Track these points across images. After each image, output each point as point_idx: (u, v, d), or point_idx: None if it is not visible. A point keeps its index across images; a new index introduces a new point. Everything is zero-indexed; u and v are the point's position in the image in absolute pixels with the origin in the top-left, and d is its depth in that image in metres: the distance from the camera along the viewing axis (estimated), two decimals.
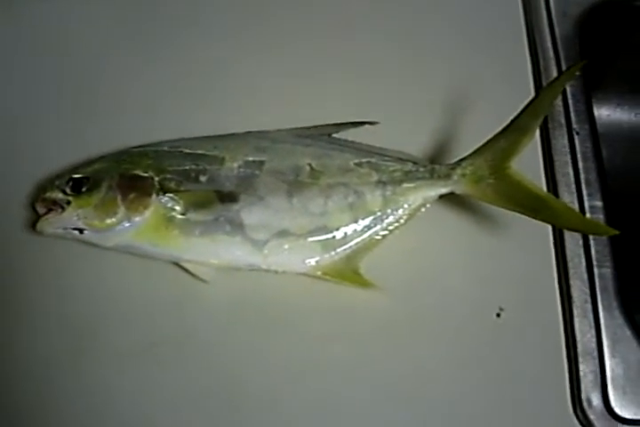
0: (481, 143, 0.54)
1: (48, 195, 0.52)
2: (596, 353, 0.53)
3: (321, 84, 0.62)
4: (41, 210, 0.53)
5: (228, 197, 0.53)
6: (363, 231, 0.54)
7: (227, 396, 0.52)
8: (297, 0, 0.66)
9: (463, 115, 0.61)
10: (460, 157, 0.55)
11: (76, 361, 0.52)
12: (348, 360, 0.53)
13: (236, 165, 0.54)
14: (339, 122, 0.59)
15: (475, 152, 0.55)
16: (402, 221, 0.55)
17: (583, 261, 0.56)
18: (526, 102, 0.53)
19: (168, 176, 0.53)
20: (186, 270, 0.53)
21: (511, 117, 0.53)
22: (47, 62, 0.62)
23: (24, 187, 0.56)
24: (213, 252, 0.53)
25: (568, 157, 0.61)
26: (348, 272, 0.54)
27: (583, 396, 0.52)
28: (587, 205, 0.59)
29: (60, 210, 0.52)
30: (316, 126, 0.59)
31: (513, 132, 0.53)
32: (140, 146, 0.56)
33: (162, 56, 0.63)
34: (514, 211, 0.53)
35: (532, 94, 0.63)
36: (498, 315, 0.54)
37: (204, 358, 0.52)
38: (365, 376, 0.53)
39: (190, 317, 0.53)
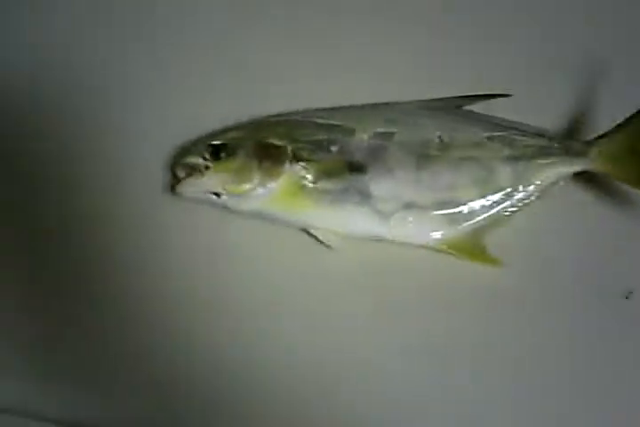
0: (622, 119, 0.53)
1: (188, 160, 0.55)
2: None
3: (446, 56, 0.61)
4: (181, 174, 0.55)
5: (357, 168, 0.54)
6: (491, 207, 0.54)
7: (337, 362, 0.54)
8: None
9: (602, 88, 0.59)
10: (598, 134, 0.54)
11: (204, 319, 0.55)
12: (468, 332, 0.54)
13: (366, 136, 0.55)
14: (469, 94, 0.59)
15: (614, 128, 0.53)
16: (532, 198, 0.54)
17: None
18: None
19: (301, 145, 0.55)
20: (313, 237, 0.55)
21: None
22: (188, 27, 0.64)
23: (165, 150, 0.59)
24: (341, 220, 0.54)
25: None
26: (473, 248, 0.54)
27: None
28: None
29: (199, 174, 0.54)
30: (445, 98, 0.59)
31: None
32: (274, 115, 0.58)
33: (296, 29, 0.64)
34: None
35: None
36: (627, 297, 0.53)
37: (321, 324, 0.55)
38: (485, 353, 0.53)
39: (313, 282, 0.55)
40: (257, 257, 0.56)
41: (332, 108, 0.58)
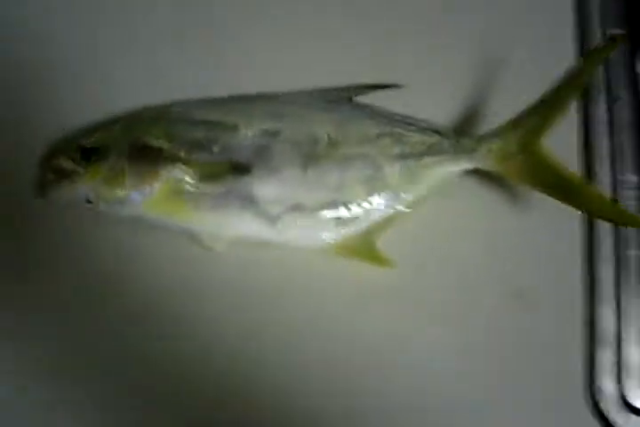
0: (512, 116, 0.51)
1: (57, 162, 0.51)
2: (614, 340, 0.52)
3: (342, 43, 0.58)
4: (50, 177, 0.51)
5: (240, 169, 0.51)
6: (380, 207, 0.52)
7: (232, 368, 0.52)
8: None
9: (495, 80, 0.57)
10: (488, 131, 0.52)
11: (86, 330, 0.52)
12: (365, 334, 0.52)
13: (250, 133, 0.52)
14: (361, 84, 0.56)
15: (504, 126, 0.51)
16: (422, 196, 0.52)
17: (611, 241, 0.54)
18: (564, 73, 0.50)
19: (179, 145, 0.51)
20: (197, 242, 0.52)
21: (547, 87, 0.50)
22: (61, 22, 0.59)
23: (36, 148, 0.55)
24: (225, 225, 0.51)
25: (605, 127, 0.58)
26: (364, 249, 0.52)
27: (597, 383, 0.51)
28: (621, 179, 0.56)
29: (69, 180, 0.50)
30: (336, 88, 0.56)
31: (546, 106, 0.50)
32: (150, 108, 0.54)
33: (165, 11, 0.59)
34: (541, 192, 0.50)
35: (573, 59, 0.59)
36: (519, 296, 0.53)
37: (210, 331, 0.52)
38: (378, 355, 0.52)
39: (199, 287, 0.53)
40: (137, 263, 0.53)
41: (215, 100, 0.55)
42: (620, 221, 0.50)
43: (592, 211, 0.50)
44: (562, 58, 0.57)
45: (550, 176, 0.50)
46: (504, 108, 0.55)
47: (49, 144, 0.54)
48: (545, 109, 0.50)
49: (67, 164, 0.51)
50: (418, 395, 0.52)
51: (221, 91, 0.56)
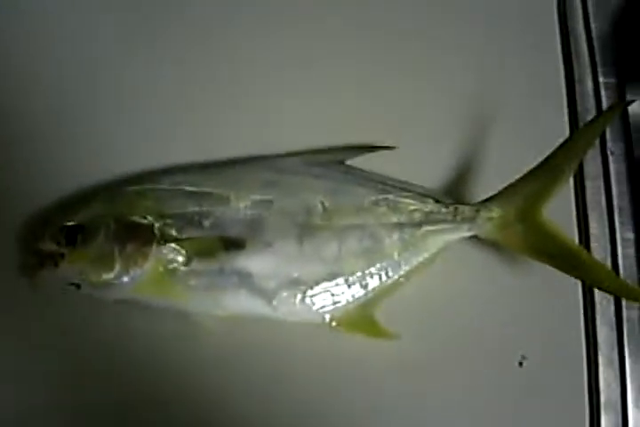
0: (509, 182, 0.50)
1: (40, 246, 0.48)
2: (619, 404, 0.51)
3: (333, 105, 0.57)
4: (33, 261, 0.49)
5: (233, 244, 0.49)
6: (379, 278, 0.51)
7: None
8: (306, 9, 0.59)
9: (486, 140, 0.56)
10: (486, 197, 0.51)
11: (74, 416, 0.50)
12: (361, 410, 0.51)
13: (242, 205, 0.50)
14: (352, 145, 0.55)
15: (503, 192, 0.50)
16: (421, 266, 0.51)
17: (612, 304, 0.53)
18: (561, 141, 0.50)
19: (169, 222, 0.49)
20: (190, 320, 0.50)
21: (541, 150, 0.49)
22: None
23: (13, 225, 0.52)
24: (220, 304, 0.49)
25: (601, 181, 0.57)
26: (362, 322, 0.50)
27: None
28: (618, 237, 0.55)
29: (53, 264, 0.48)
30: (327, 150, 0.55)
31: (545, 174, 0.49)
32: (132, 179, 0.52)
33: (161, 69, 0.57)
34: (541, 262, 0.49)
35: (565, 111, 0.58)
36: (520, 364, 0.52)
37: (211, 410, 0.50)
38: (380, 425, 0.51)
39: (194, 368, 0.51)
40: (129, 345, 0.51)
41: (203, 170, 0.53)
42: (620, 293, 0.49)
43: (593, 282, 0.49)
44: (554, 115, 0.57)
45: (551, 246, 0.49)
46: (495, 168, 0.56)
47: (25, 221, 0.52)
48: (543, 177, 0.49)
49: (50, 246, 0.48)
50: None
51: (209, 151, 0.55)
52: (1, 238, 0.52)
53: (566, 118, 0.59)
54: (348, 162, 0.54)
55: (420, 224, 0.51)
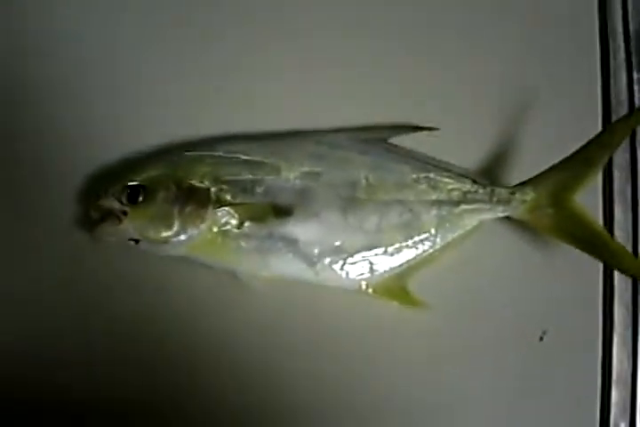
0: (542, 168, 0.53)
1: (103, 203, 0.52)
2: (629, 381, 0.55)
3: (378, 85, 0.59)
4: (95, 216, 0.52)
5: (283, 212, 0.52)
6: (415, 250, 0.54)
7: (266, 408, 0.54)
8: None
9: (522, 127, 0.59)
10: (521, 181, 0.54)
11: (123, 368, 0.54)
12: (389, 377, 0.55)
13: (292, 175, 0.53)
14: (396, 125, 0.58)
15: (537, 178, 0.53)
16: (455, 242, 0.54)
17: (630, 287, 0.57)
18: (593, 132, 0.53)
19: (224, 187, 0.52)
20: (236, 280, 0.53)
21: (574, 139, 0.52)
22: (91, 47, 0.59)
23: (75, 182, 0.56)
24: (266, 265, 0.53)
25: (628, 172, 0.60)
26: (397, 290, 0.54)
27: (612, 422, 0.54)
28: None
29: (116, 220, 0.51)
30: (372, 128, 0.58)
31: (579, 163, 0.52)
32: (190, 145, 0.55)
33: (210, 46, 0.59)
34: (569, 245, 0.52)
35: (599, 103, 0.61)
36: (541, 338, 0.56)
37: (249, 369, 0.54)
38: (405, 393, 0.55)
39: (237, 327, 0.54)
40: (180, 299, 0.55)
41: (256, 140, 0.56)
42: None
43: (616, 265, 0.53)
44: (588, 107, 0.60)
45: (579, 231, 0.52)
46: (529, 154, 0.59)
47: (87, 179, 0.55)
48: (577, 165, 0.52)
49: (113, 204, 0.51)
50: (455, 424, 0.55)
51: (262, 122, 0.57)
52: (62, 194, 0.55)
53: (600, 110, 0.62)
54: (391, 140, 0.57)
55: (457, 203, 0.54)
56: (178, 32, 0.59)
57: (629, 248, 0.58)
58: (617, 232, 0.58)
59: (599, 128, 0.61)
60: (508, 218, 0.55)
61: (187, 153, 0.54)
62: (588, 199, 0.55)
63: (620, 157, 0.60)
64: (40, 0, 0.58)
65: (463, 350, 0.55)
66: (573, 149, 0.52)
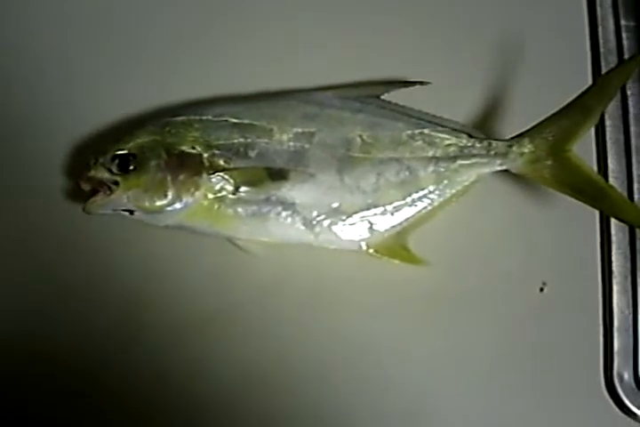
0: (541, 119, 0.52)
1: (93, 173, 0.50)
2: (631, 329, 0.56)
3: (367, 39, 0.58)
4: (86, 188, 0.50)
5: (278, 175, 0.51)
6: (413, 208, 0.53)
7: (273, 370, 0.53)
8: None
9: (513, 78, 0.58)
10: (518, 133, 0.53)
11: (125, 338, 0.53)
12: (396, 334, 0.55)
13: (285, 137, 0.52)
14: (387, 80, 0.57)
15: (534, 129, 0.53)
16: (454, 198, 0.54)
17: (627, 236, 0.57)
18: (583, 82, 0.53)
19: (217, 152, 0.51)
20: (235, 246, 0.53)
21: (565, 90, 0.52)
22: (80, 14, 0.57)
23: (61, 150, 0.54)
24: (265, 230, 0.52)
25: (620, 121, 0.60)
26: (397, 249, 0.54)
27: (615, 370, 0.55)
28: (635, 173, 0.59)
29: (107, 191, 0.49)
30: (363, 84, 0.57)
31: (576, 112, 0.52)
32: (173, 110, 0.53)
33: (195, 4, 0.57)
34: (568, 195, 0.52)
35: (588, 52, 0.60)
36: (541, 289, 0.56)
37: (252, 334, 0.54)
38: (413, 349, 0.55)
39: (239, 291, 0.54)
40: (178, 269, 0.54)
41: (244, 102, 0.54)
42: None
43: (616, 215, 0.53)
44: (578, 56, 0.60)
45: (578, 181, 0.52)
46: (520, 106, 0.58)
47: (72, 150, 0.54)
48: (574, 115, 0.52)
49: (103, 174, 0.50)
50: (456, 380, 0.55)
51: (247, 84, 0.56)
52: (49, 167, 0.54)
53: (589, 59, 0.61)
54: (384, 97, 0.55)
55: (454, 158, 0.53)
56: None
57: None
58: (611, 181, 0.58)
59: (589, 77, 0.60)
60: (506, 171, 0.54)
61: (173, 118, 0.52)
62: (581, 151, 0.54)
63: (612, 106, 0.59)
64: None
65: (465, 305, 0.55)
66: (563, 100, 0.52)
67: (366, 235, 0.53)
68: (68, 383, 0.52)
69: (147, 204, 0.50)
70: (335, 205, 0.52)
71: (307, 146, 0.52)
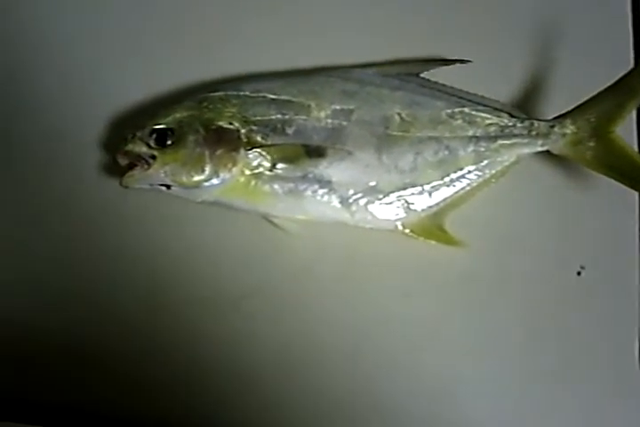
0: (582, 100, 0.51)
1: (131, 147, 0.50)
2: None
3: (408, 18, 0.57)
4: (123, 162, 0.50)
5: (315, 152, 0.51)
6: (451, 188, 0.53)
7: (309, 348, 0.53)
8: None
9: (555, 58, 0.57)
10: (561, 113, 0.52)
11: (160, 314, 0.53)
12: (429, 315, 0.54)
13: (323, 114, 0.51)
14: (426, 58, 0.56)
15: (577, 109, 0.52)
16: (493, 178, 0.53)
17: None
18: (627, 65, 0.51)
19: (254, 128, 0.50)
20: (272, 223, 0.52)
21: (607, 72, 0.51)
22: None
23: (96, 126, 0.54)
24: (301, 208, 0.51)
25: None
26: (434, 229, 0.53)
27: None
28: None
29: (145, 166, 0.49)
30: (402, 61, 0.56)
31: (620, 93, 0.51)
32: (211, 86, 0.53)
33: None
34: (609, 177, 0.51)
35: (631, 36, 0.59)
36: (579, 273, 0.55)
37: (287, 311, 0.53)
38: (446, 332, 0.54)
39: (273, 269, 0.54)
40: (214, 246, 0.54)
41: (282, 78, 0.53)
42: None
43: None
44: (621, 39, 0.59)
45: (620, 163, 0.51)
46: (562, 87, 0.57)
47: (108, 125, 0.54)
48: (617, 95, 0.50)
49: (141, 148, 0.50)
50: (489, 363, 0.54)
51: (285, 60, 0.56)
52: (86, 141, 0.54)
53: (631, 39, 0.60)
54: (424, 75, 0.54)
55: (494, 138, 0.52)
56: None
57: None
58: None
59: (631, 58, 0.59)
60: (546, 152, 0.53)
61: (211, 94, 0.52)
62: (621, 132, 0.53)
63: None
64: None
65: (500, 287, 0.55)
66: (604, 80, 0.51)
67: (403, 215, 0.53)
68: (110, 353, 0.52)
69: (184, 178, 0.49)
70: (372, 183, 0.51)
71: (345, 123, 0.51)
